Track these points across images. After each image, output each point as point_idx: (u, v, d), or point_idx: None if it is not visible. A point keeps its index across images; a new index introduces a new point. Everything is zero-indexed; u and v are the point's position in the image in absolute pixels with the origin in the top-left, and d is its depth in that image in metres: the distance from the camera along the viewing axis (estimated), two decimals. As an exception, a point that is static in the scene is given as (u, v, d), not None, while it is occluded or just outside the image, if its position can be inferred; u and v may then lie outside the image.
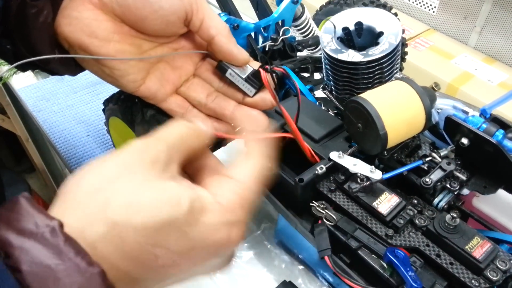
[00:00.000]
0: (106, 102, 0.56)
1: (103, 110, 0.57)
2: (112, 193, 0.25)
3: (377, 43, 0.49)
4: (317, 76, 0.63)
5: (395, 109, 0.44)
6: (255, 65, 0.45)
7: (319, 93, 0.59)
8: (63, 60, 0.40)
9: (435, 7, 1.13)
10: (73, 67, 0.42)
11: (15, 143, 1.35)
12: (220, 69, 0.44)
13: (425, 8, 1.15)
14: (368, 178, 0.46)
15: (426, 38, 1.11)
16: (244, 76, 0.43)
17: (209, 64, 0.45)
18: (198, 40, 0.44)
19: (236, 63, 0.43)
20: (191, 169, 0.32)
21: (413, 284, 0.40)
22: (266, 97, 0.45)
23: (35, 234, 0.22)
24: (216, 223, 0.27)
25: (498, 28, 1.02)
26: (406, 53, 0.67)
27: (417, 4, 1.16)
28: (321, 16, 0.74)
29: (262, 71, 0.44)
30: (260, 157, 0.31)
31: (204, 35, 0.40)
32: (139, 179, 0.26)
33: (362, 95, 0.45)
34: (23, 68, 0.40)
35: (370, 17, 0.51)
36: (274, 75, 0.46)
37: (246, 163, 0.31)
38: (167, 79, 0.43)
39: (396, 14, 0.63)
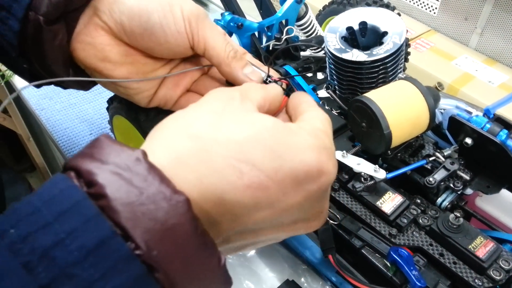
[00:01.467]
0: (110, 101, 0.56)
1: (107, 108, 0.57)
2: (195, 119, 0.26)
3: (381, 43, 0.49)
4: (320, 75, 0.63)
5: (399, 109, 0.44)
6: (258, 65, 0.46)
7: (322, 93, 0.59)
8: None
9: (436, 8, 1.13)
10: (86, 84, 0.44)
11: (15, 142, 1.35)
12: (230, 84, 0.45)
13: (426, 9, 1.15)
14: (372, 178, 0.46)
15: (427, 39, 1.11)
16: None
17: None
18: None
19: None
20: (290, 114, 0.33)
21: (416, 283, 0.40)
22: None
23: (118, 164, 0.23)
24: (304, 144, 0.26)
25: (499, 30, 1.02)
26: (409, 53, 0.67)
27: (418, 5, 1.17)
28: (324, 15, 0.74)
29: None
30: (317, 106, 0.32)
31: (208, 60, 0.40)
32: (219, 110, 0.27)
33: (366, 94, 0.45)
34: (38, 85, 0.42)
35: (374, 16, 0.51)
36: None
37: (317, 112, 0.31)
38: (177, 84, 0.44)
39: (399, 14, 0.63)
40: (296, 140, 0.26)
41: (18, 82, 0.86)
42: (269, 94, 0.32)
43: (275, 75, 0.45)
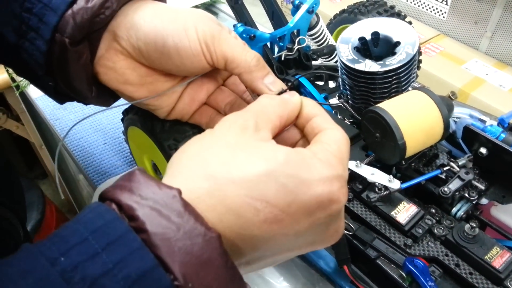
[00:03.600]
0: (125, 112, 0.56)
1: (122, 119, 0.58)
2: (210, 155, 0.28)
3: (394, 53, 0.49)
4: (331, 84, 0.64)
5: (413, 119, 0.44)
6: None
7: (334, 102, 0.59)
8: (99, 95, 0.43)
9: (445, 12, 1.13)
10: (108, 101, 0.45)
11: (28, 150, 1.37)
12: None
13: (435, 13, 1.15)
14: (386, 188, 0.46)
15: (437, 44, 1.11)
16: None
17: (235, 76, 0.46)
18: None
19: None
20: (306, 133, 0.34)
21: None
22: None
23: (157, 200, 0.25)
24: (315, 176, 0.27)
25: (509, 33, 1.02)
26: (420, 61, 0.68)
27: (427, 9, 1.16)
28: (335, 24, 0.75)
29: None
30: (340, 129, 0.32)
31: (230, 72, 0.40)
32: (232, 143, 0.28)
33: (380, 105, 0.45)
34: (61, 100, 0.44)
35: (386, 27, 0.52)
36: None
37: (334, 132, 0.31)
38: (193, 99, 0.44)
39: (410, 23, 0.63)
40: (309, 174, 0.27)
41: (33, 92, 0.87)
42: (285, 111, 0.32)
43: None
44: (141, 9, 0.39)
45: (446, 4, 1.11)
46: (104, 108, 0.47)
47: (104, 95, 0.44)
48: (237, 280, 0.25)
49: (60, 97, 0.43)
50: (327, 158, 0.28)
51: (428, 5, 1.15)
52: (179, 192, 0.25)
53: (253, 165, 0.27)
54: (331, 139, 0.30)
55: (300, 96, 0.34)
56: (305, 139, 0.34)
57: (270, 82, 0.37)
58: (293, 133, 0.35)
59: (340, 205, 0.28)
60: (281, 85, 0.38)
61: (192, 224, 0.24)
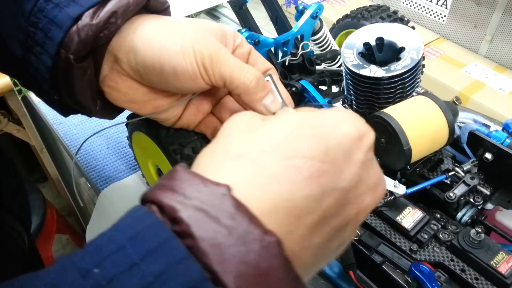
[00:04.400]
0: (129, 117, 0.56)
1: (126, 124, 0.58)
2: (229, 141, 0.27)
3: (398, 58, 0.50)
4: (334, 89, 0.64)
5: (418, 125, 0.45)
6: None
7: (337, 106, 0.60)
8: (104, 108, 0.44)
9: (445, 16, 1.13)
10: (112, 114, 0.46)
11: (28, 153, 1.37)
12: None
13: (435, 17, 1.16)
14: (391, 193, 0.46)
15: (436, 47, 1.11)
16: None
17: None
18: None
19: None
20: None
21: None
22: None
23: (203, 199, 0.22)
24: (337, 118, 0.27)
25: (509, 37, 1.02)
26: (423, 66, 0.68)
27: (427, 13, 1.17)
28: (338, 29, 0.75)
29: None
30: None
31: (230, 92, 0.40)
32: (244, 126, 0.28)
33: (385, 110, 0.46)
34: (66, 113, 0.45)
35: (391, 32, 0.52)
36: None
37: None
38: (199, 110, 0.45)
39: (413, 28, 0.64)
40: (329, 119, 0.27)
41: (35, 96, 0.87)
42: None
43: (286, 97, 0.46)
44: (141, 28, 0.39)
45: (446, 7, 1.12)
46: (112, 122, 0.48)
47: (109, 109, 0.44)
48: None
49: (65, 110, 0.44)
50: (335, 109, 0.29)
51: (428, 8, 1.16)
52: (229, 189, 0.22)
53: (276, 131, 0.26)
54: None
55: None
56: None
57: (269, 102, 0.38)
58: None
59: (370, 138, 0.27)
60: (279, 105, 0.38)
61: (246, 226, 0.21)
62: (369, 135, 0.28)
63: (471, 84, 1.00)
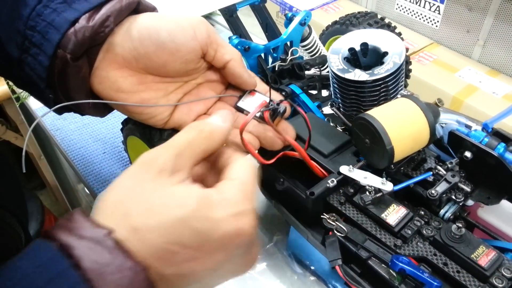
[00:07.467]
0: (124, 122, 0.58)
1: (121, 129, 0.60)
2: (130, 204, 0.30)
3: (382, 63, 0.51)
4: (324, 93, 0.66)
5: (400, 125, 0.46)
6: (262, 88, 0.49)
7: (327, 110, 0.61)
8: (96, 106, 0.46)
9: (437, 21, 1.15)
10: (103, 111, 0.49)
11: (26, 161, 1.38)
12: (238, 109, 0.49)
13: (427, 22, 1.17)
14: (378, 190, 0.48)
15: (430, 52, 1.13)
16: (258, 116, 0.47)
17: (232, 91, 0.49)
18: (218, 73, 0.48)
19: (245, 87, 0.48)
20: (217, 165, 0.36)
21: (433, 283, 0.42)
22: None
23: (91, 239, 0.28)
24: (223, 216, 0.30)
25: (501, 41, 1.04)
26: (410, 71, 0.70)
27: (420, 19, 1.19)
28: (327, 35, 0.77)
29: (266, 116, 0.47)
30: (246, 160, 0.36)
31: (218, 62, 0.44)
32: (149, 189, 0.30)
33: (369, 112, 0.47)
34: (60, 112, 0.47)
35: (375, 38, 0.54)
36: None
37: (240, 164, 0.35)
38: (191, 109, 0.47)
39: (400, 34, 0.66)
40: (217, 214, 0.30)
41: (33, 103, 0.89)
42: (212, 145, 0.35)
43: (277, 97, 0.48)
44: (137, 18, 0.42)
45: (439, 13, 1.14)
46: (103, 118, 0.50)
47: (100, 106, 0.47)
48: None
49: (59, 108, 0.46)
50: (233, 195, 0.32)
51: (421, 14, 1.18)
52: (109, 232, 0.28)
53: (168, 214, 0.29)
54: (237, 174, 0.33)
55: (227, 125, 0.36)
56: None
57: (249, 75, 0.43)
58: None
59: (248, 237, 0.32)
60: (255, 81, 0.44)
61: (122, 259, 0.27)
62: (248, 233, 0.31)
63: (465, 88, 1.01)
